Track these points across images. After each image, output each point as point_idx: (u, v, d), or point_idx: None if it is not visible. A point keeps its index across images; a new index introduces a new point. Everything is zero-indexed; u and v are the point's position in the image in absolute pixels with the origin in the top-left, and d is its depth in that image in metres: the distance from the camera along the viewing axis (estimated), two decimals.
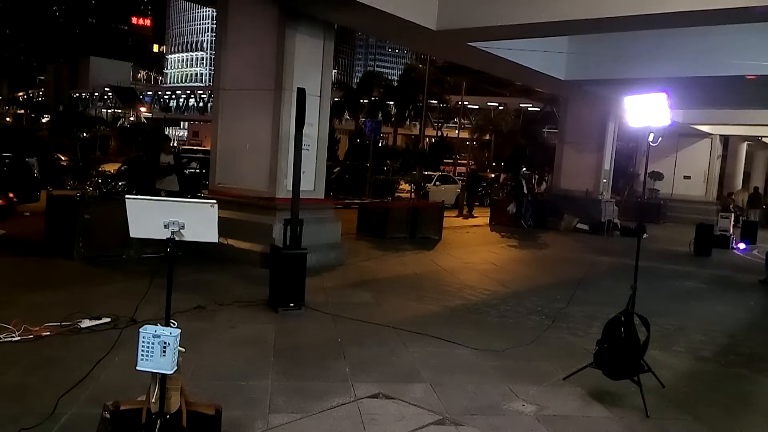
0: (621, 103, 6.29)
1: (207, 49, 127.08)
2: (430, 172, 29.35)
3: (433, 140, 49.03)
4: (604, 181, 19.32)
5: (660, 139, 5.29)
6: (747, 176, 32.49)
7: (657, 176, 24.62)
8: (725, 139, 28.63)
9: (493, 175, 35.53)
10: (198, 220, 3.13)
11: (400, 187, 27.61)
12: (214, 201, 3.13)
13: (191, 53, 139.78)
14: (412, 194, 18.62)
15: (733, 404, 4.86)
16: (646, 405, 4.39)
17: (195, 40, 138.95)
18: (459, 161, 45.33)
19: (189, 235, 3.10)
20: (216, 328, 5.89)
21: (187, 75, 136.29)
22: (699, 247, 14.45)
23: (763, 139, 30.49)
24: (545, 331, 6.48)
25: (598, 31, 11.40)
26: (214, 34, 11.30)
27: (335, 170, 26.26)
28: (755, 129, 25.69)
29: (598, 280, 9.96)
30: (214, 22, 14.51)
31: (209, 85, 78.84)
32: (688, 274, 11.52)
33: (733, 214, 17.45)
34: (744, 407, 4.83)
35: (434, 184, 25.03)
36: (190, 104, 70.68)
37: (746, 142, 30.29)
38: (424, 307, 7.41)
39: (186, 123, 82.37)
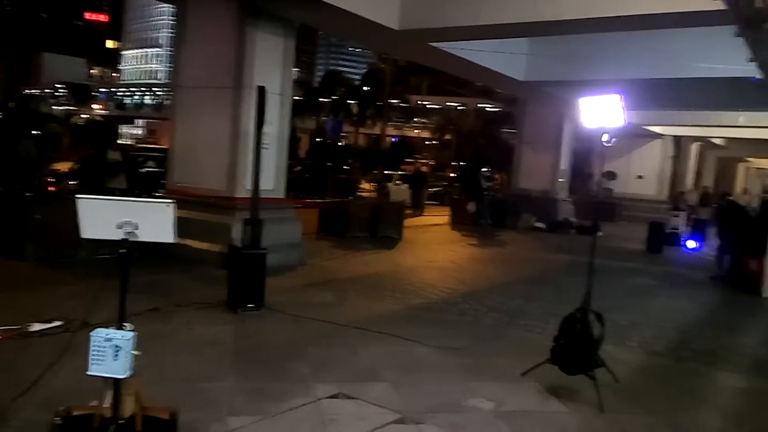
0: (577, 105, 6.46)
1: (164, 46, 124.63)
2: (391, 172, 29.48)
3: (395, 140, 49.20)
4: (561, 180, 19.71)
5: (614, 139, 5.42)
6: (697, 176, 33.59)
7: (611, 176, 25.22)
8: (676, 140, 29.56)
9: (453, 175, 35.80)
10: (154, 220, 3.07)
11: (362, 186, 27.66)
12: (171, 200, 3.07)
13: (148, 50, 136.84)
14: (373, 193, 18.65)
15: (684, 397, 5.01)
16: (601, 399, 4.49)
17: (152, 36, 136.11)
18: (420, 160, 45.56)
19: (144, 236, 3.04)
20: (173, 330, 5.78)
21: (143, 72, 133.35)
22: (651, 244, 14.87)
23: (713, 140, 31.59)
24: (504, 329, 6.58)
25: (555, 34, 11.63)
26: (172, 31, 11.08)
27: (296, 169, 26.09)
28: (705, 130, 26.59)
29: (555, 278, 10.15)
30: (172, 18, 14.27)
31: (167, 82, 77.36)
32: (641, 271, 11.84)
33: (684, 213, 18.02)
34: (694, 400, 4.99)
35: (395, 184, 25.13)
36: (147, 102, 69.27)
37: (697, 143, 31.32)
38: (385, 306, 7.43)
39: (142, 121, 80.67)
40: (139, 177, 16.29)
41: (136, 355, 2.92)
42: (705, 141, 31.50)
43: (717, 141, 32.22)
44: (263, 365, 4.99)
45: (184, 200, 8.63)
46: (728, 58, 10.17)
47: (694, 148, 31.71)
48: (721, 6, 6.60)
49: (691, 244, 16.02)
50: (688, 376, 5.61)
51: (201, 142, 9.74)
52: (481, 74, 15.44)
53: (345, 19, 9.53)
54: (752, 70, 9.42)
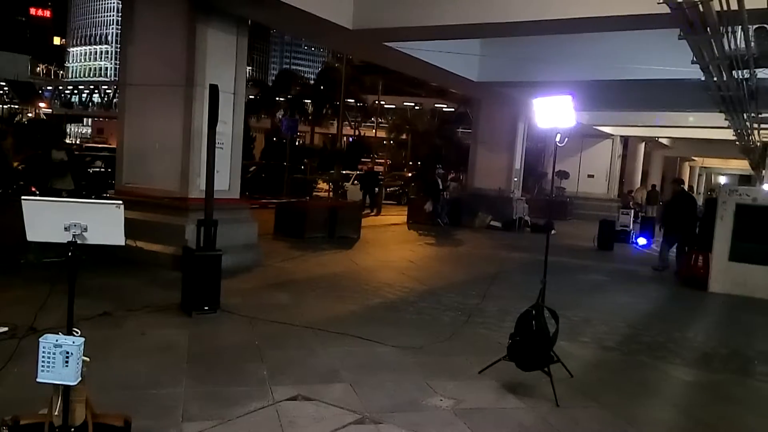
0: (530, 105, 6.60)
1: (112, 42, 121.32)
2: (348, 171, 29.42)
3: (351, 139, 49.16)
4: (515, 179, 20.05)
5: (566, 139, 5.53)
6: (645, 174, 34.66)
7: (563, 175, 25.82)
8: (625, 140, 30.44)
9: (410, 174, 36.00)
10: (102, 222, 2.98)
11: (318, 186, 27.53)
12: (120, 201, 2.99)
13: (95, 46, 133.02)
14: (330, 193, 18.58)
15: (635, 390, 5.16)
16: (556, 394, 4.58)
17: (99, 32, 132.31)
18: (377, 160, 45.64)
19: (93, 238, 2.94)
20: (125, 335, 5.62)
21: (90, 69, 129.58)
22: (602, 242, 15.28)
23: (660, 140, 32.67)
24: (461, 327, 6.63)
25: (505, 35, 11.83)
26: (120, 27, 10.78)
27: (251, 169, 25.77)
28: (652, 130, 27.46)
29: (510, 276, 10.32)
30: (120, 14, 13.87)
31: (115, 79, 75.30)
32: (593, 268, 12.14)
33: (632, 211, 18.59)
34: (645, 393, 5.13)
35: (352, 183, 25.09)
36: (94, 100, 67.33)
37: (644, 143, 32.32)
38: (343, 306, 7.40)
39: (90, 120, 78.33)
40: (87, 177, 15.80)
41: (86, 362, 2.83)
42: (652, 141, 32.54)
43: (663, 141, 33.34)
44: (219, 369, 4.90)
45: (135, 201, 8.46)
46: (674, 60, 10.53)
47: (642, 147, 32.71)
48: (666, 9, 6.83)
49: (641, 241, 16.54)
50: (638, 370, 5.77)
51: (152, 142, 9.51)
52: (436, 74, 15.56)
53: (298, 18, 9.45)
54: (696, 72, 9.77)
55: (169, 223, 8.80)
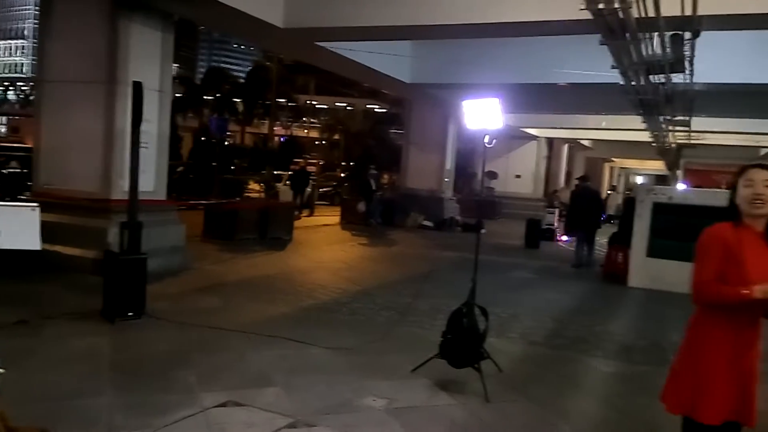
0: (460, 107, 6.74)
1: (29, 37, 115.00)
2: (280, 172, 29.05)
3: (283, 139, 48.61)
4: (446, 180, 20.38)
5: (494, 141, 5.66)
6: (568, 175, 35.92)
7: (492, 175, 26.43)
8: (550, 142, 31.49)
9: (343, 175, 35.96)
10: (17, 226, 2.82)
11: (249, 187, 27.04)
12: (37, 204, 2.83)
13: (10, 41, 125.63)
14: (262, 194, 18.30)
15: (561, 383, 5.34)
16: (487, 390, 4.68)
17: (14, 27, 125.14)
18: (309, 160, 45.35)
19: (6, 243, 2.78)
20: (43, 343, 5.34)
21: (5, 65, 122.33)
22: (529, 240, 15.76)
23: (582, 142, 34.00)
24: (394, 326, 6.67)
25: (436, 38, 12.02)
26: (37, 21, 10.23)
27: (178, 169, 25.03)
28: (574, 132, 28.53)
29: (442, 274, 10.47)
30: (37, 7, 13.17)
31: (32, 76, 71.45)
32: (520, 265, 12.50)
33: (557, 210, 19.26)
34: (571, 386, 5.32)
35: (284, 184, 24.77)
36: (9, 97, 63.71)
37: (567, 144, 33.55)
38: (275, 308, 7.30)
39: (4, 118, 74.01)
40: (1, 179, 14.94)
41: (1, 373, 2.67)
42: (575, 142, 33.81)
43: (585, 142, 34.72)
44: (145, 377, 4.72)
45: (53, 203, 8.06)
46: (595, 65, 10.96)
47: (565, 149, 33.93)
48: (589, 15, 7.11)
49: (564, 238, 17.16)
50: (564, 363, 5.98)
51: (71, 141, 9.07)
52: (368, 75, 15.60)
53: (226, 15, 9.24)
54: (616, 77, 10.21)
55: (90, 226, 8.42)
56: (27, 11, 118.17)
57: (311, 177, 25.68)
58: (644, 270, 10.41)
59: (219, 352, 5.42)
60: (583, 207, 12.45)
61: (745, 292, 2.40)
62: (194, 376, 4.77)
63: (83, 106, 8.97)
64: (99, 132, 8.82)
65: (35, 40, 11.27)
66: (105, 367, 4.86)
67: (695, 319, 2.68)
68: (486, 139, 5.59)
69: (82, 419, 3.87)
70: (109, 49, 8.72)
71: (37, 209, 2.82)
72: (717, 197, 10.45)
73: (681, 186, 22.25)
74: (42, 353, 5.09)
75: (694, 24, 7.73)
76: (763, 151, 29.97)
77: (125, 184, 7.65)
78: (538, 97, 17.27)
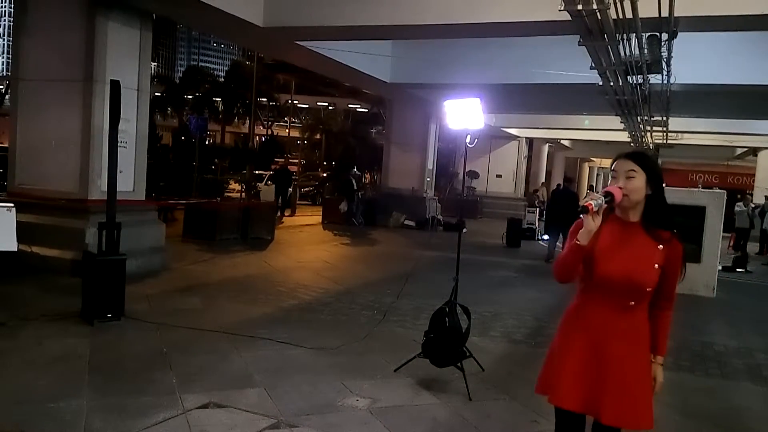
0: (441, 107, 6.78)
1: (4, 35, 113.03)
2: (261, 171, 28.90)
3: (264, 139, 48.37)
4: (428, 179, 20.43)
5: (476, 140, 5.68)
6: (549, 174, 36.25)
7: (473, 175, 26.57)
8: (530, 141, 31.74)
9: (324, 174, 35.88)
10: None
11: (230, 186, 26.85)
12: (12, 204, 2.78)
13: None
14: (243, 194, 18.19)
15: None
16: (469, 389, 4.70)
17: None
18: (290, 160, 45.17)
19: None
20: (19, 346, 5.24)
21: None
22: (510, 239, 15.86)
23: (561, 142, 34.31)
24: (377, 326, 6.66)
25: (415, 38, 12.06)
26: (12, 18, 10.06)
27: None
28: (554, 132, 28.80)
29: (424, 274, 10.47)
30: (12, 4, 12.96)
31: (6, 74, 70.26)
32: (502, 264, 12.57)
33: (538, 209, 19.42)
34: None
35: (266, 184, 24.65)
36: None
37: (547, 144, 33.84)
38: (257, 309, 7.25)
39: None
40: None
41: None
42: (555, 142, 34.11)
43: (565, 143, 35.05)
44: (124, 379, 4.67)
45: (29, 204, 7.95)
46: (574, 65, 11.07)
47: (545, 149, 34.23)
48: (567, 17, 7.18)
49: (546, 237, 17.29)
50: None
51: (48, 140, 8.93)
52: (349, 75, 15.58)
53: (205, 13, 9.16)
54: (595, 77, 10.33)
55: (67, 227, 8.31)
56: (2, 8, 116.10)
57: (292, 176, 25.56)
58: None
59: (200, 354, 5.37)
60: (561, 206, 12.72)
61: (575, 241, 2.35)
62: (175, 377, 4.72)
63: (60, 105, 8.83)
64: (76, 131, 8.70)
65: (10, 38, 11.08)
66: (83, 369, 4.79)
67: (569, 305, 2.65)
68: (467, 139, 5.61)
69: (60, 422, 3.81)
70: (86, 47, 8.60)
71: (13, 210, 2.78)
72: (694, 196, 10.64)
73: None
74: (19, 355, 5.00)
75: (671, 25, 7.84)
76: (738, 151, 30.53)
77: (103, 184, 7.57)
78: (519, 97, 17.39)
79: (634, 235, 2.44)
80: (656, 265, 2.41)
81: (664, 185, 2.50)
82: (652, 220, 2.45)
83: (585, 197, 2.39)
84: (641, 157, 2.46)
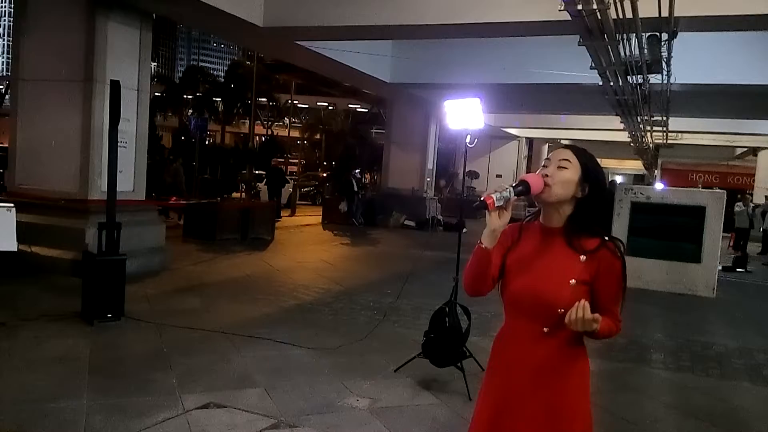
0: (441, 107, 6.79)
1: (4, 35, 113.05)
2: (261, 171, 28.89)
3: (264, 139, 48.35)
4: (428, 179, 20.43)
5: (476, 140, 5.68)
6: None
7: (474, 175, 26.57)
8: (530, 141, 31.76)
9: (324, 174, 35.86)
10: None
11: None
12: (12, 204, 2.78)
13: None
14: (243, 194, 18.18)
15: None
16: (469, 389, 4.69)
17: None
18: (291, 160, 45.17)
19: None
20: (19, 345, 5.24)
21: None
22: None
23: (561, 141, 34.30)
24: (377, 326, 6.66)
25: (417, 38, 12.03)
26: (12, 18, 10.06)
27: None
28: (555, 132, 28.81)
29: (424, 274, 10.47)
30: (12, 4, 12.97)
31: (6, 74, 70.26)
32: None
33: (537, 209, 19.37)
34: None
35: (265, 184, 24.62)
36: None
37: (547, 144, 33.86)
38: (257, 309, 7.25)
39: None
40: None
41: None
42: (555, 142, 34.11)
43: (565, 142, 35.05)
44: (124, 379, 4.66)
45: (29, 204, 7.94)
46: (575, 66, 11.07)
47: (545, 148, 34.24)
48: (567, 17, 7.18)
49: None
50: None
51: (48, 140, 8.93)
52: (349, 75, 15.57)
53: (205, 13, 9.15)
54: (595, 77, 10.32)
55: (67, 227, 8.30)
56: (1, 8, 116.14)
57: (292, 176, 25.53)
58: None
59: (200, 354, 5.37)
60: None
61: (478, 243, 1.97)
62: (175, 377, 4.72)
63: (60, 105, 8.83)
64: (76, 131, 8.70)
65: (10, 38, 11.08)
66: (83, 369, 4.79)
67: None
68: (467, 139, 5.60)
69: (60, 422, 3.81)
70: (86, 47, 8.60)
71: (13, 210, 2.78)
72: (693, 196, 10.63)
73: (659, 185, 22.55)
74: (19, 355, 5.01)
75: (671, 25, 7.84)
76: (738, 151, 30.53)
77: (103, 184, 7.57)
78: (519, 97, 17.38)
79: (551, 245, 1.98)
80: (572, 281, 1.89)
81: (603, 193, 2.04)
82: (575, 225, 1.96)
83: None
84: (582, 152, 2.01)
